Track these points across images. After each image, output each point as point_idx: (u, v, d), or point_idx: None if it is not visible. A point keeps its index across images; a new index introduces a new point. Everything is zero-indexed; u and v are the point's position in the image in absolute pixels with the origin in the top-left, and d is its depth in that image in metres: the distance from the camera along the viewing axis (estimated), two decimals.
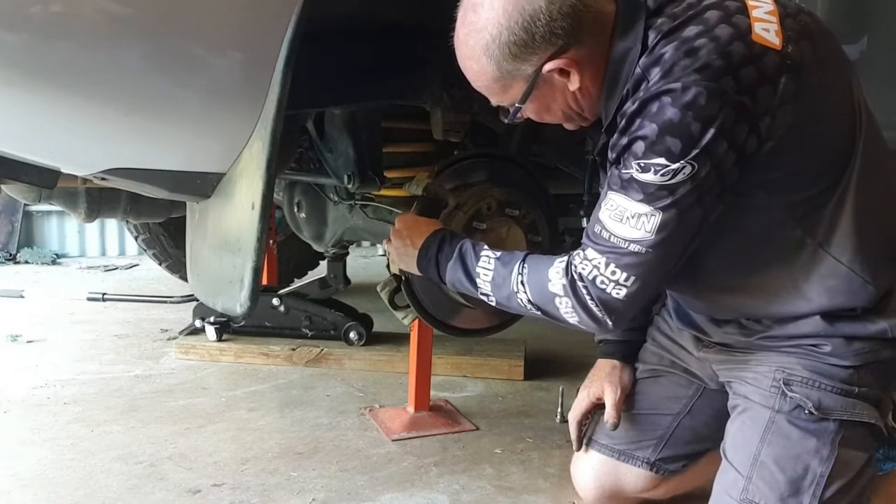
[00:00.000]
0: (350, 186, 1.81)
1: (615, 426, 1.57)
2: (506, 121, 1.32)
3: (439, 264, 1.46)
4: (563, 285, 1.26)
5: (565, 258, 1.28)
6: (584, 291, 1.24)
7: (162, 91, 1.27)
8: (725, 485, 1.35)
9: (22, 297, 3.59)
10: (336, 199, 2.12)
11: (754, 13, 1.15)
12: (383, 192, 1.88)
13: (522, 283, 1.33)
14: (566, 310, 1.28)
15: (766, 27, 1.14)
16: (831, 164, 1.23)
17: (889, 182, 1.32)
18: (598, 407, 1.64)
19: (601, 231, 1.22)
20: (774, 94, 1.13)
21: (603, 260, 1.21)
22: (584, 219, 2.11)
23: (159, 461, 1.92)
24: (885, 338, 1.28)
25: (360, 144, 1.77)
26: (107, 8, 1.19)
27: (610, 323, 1.26)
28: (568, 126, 1.37)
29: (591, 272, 1.23)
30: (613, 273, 1.21)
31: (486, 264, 1.39)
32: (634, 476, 1.60)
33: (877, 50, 2.11)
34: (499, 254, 1.39)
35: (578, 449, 1.66)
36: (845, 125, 1.23)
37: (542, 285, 1.30)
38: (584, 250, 1.25)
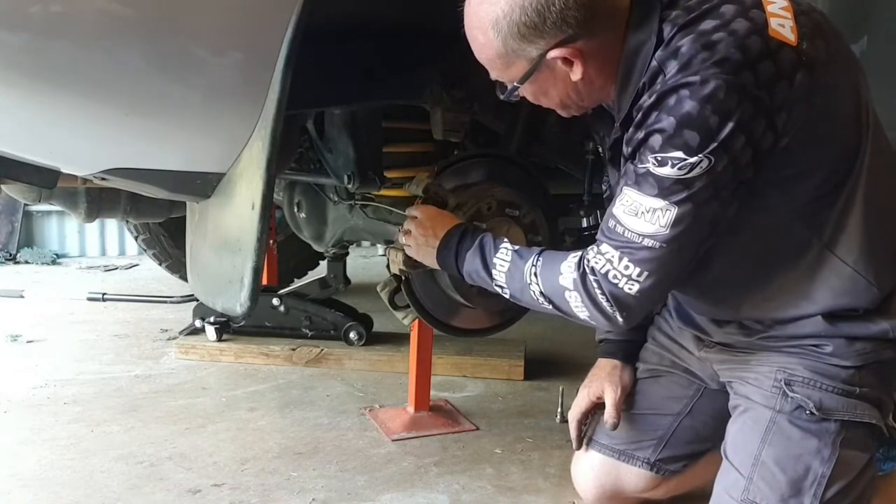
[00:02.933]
0: (350, 186, 1.81)
1: (615, 426, 1.57)
2: (502, 97, 1.31)
3: (458, 255, 1.45)
4: (574, 279, 1.26)
5: (580, 253, 1.28)
6: (595, 286, 1.23)
7: (162, 91, 1.27)
8: (726, 485, 1.35)
9: (22, 297, 3.59)
10: (336, 199, 2.12)
11: (769, 8, 1.15)
12: (383, 192, 1.88)
13: (535, 274, 1.32)
14: (576, 304, 1.27)
15: (781, 23, 1.14)
16: (840, 163, 1.23)
17: (893, 182, 1.32)
18: (598, 406, 1.63)
19: (615, 226, 1.21)
20: (791, 89, 1.13)
21: (617, 254, 1.21)
22: (584, 219, 2.12)
23: (159, 461, 1.92)
24: (887, 338, 1.28)
25: (360, 144, 1.77)
26: (107, 8, 1.19)
27: (621, 319, 1.25)
28: (563, 113, 1.36)
29: (603, 266, 1.22)
30: (627, 268, 1.20)
31: (504, 256, 1.38)
32: (634, 476, 1.60)
33: (877, 50, 2.11)
34: (517, 247, 1.39)
35: (578, 448, 1.66)
36: (853, 125, 1.23)
37: (554, 278, 1.29)
38: (598, 245, 1.25)
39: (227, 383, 2.51)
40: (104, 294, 3.16)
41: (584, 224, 2.27)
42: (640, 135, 1.16)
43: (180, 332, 2.86)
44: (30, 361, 2.71)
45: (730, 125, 1.10)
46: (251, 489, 1.79)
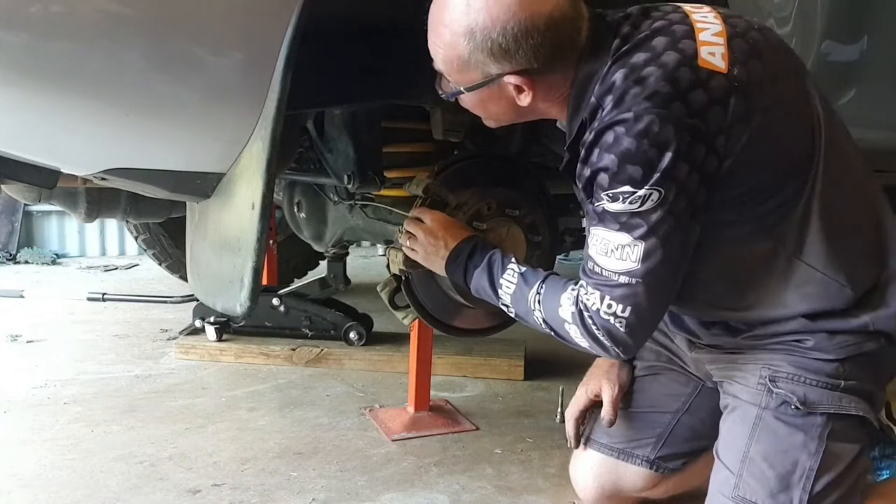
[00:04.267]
0: (350, 186, 1.80)
1: (611, 423, 1.57)
2: (440, 94, 1.33)
3: (467, 270, 1.47)
4: (572, 313, 1.28)
5: (577, 286, 1.29)
6: (591, 321, 1.25)
7: (162, 91, 1.27)
8: (718, 484, 1.35)
9: (22, 297, 3.59)
10: (336, 199, 2.12)
11: (701, 36, 1.17)
12: (383, 192, 1.88)
13: (539, 302, 1.34)
14: (576, 335, 1.29)
15: (711, 51, 1.16)
16: (792, 174, 1.24)
17: (857, 184, 1.33)
18: (595, 405, 1.64)
19: (593, 266, 1.24)
20: (725, 114, 1.14)
21: (597, 294, 1.23)
22: (584, 219, 2.13)
23: (159, 461, 1.93)
24: (868, 331, 1.29)
25: (360, 144, 1.77)
26: (107, 8, 1.20)
27: (619, 352, 1.27)
28: (488, 124, 1.38)
29: (593, 304, 1.24)
30: (610, 306, 1.22)
31: (511, 278, 1.40)
32: (634, 475, 1.60)
33: (877, 50, 2.10)
34: (524, 269, 1.40)
35: (575, 447, 1.66)
36: (804, 135, 1.24)
37: (555, 309, 1.31)
38: (586, 284, 1.26)
39: (227, 383, 2.52)
40: (104, 294, 3.16)
41: (585, 224, 2.28)
42: (587, 172, 1.19)
43: (180, 332, 2.86)
44: (30, 361, 2.71)
45: (669, 155, 1.12)
46: (251, 489, 1.79)
